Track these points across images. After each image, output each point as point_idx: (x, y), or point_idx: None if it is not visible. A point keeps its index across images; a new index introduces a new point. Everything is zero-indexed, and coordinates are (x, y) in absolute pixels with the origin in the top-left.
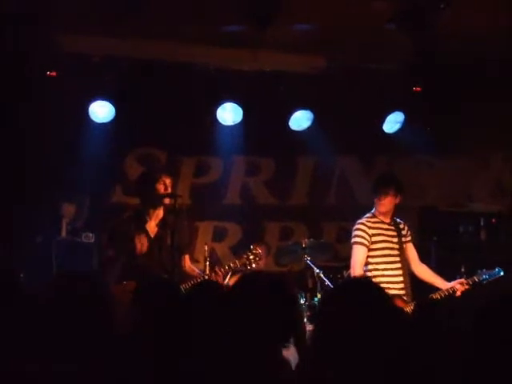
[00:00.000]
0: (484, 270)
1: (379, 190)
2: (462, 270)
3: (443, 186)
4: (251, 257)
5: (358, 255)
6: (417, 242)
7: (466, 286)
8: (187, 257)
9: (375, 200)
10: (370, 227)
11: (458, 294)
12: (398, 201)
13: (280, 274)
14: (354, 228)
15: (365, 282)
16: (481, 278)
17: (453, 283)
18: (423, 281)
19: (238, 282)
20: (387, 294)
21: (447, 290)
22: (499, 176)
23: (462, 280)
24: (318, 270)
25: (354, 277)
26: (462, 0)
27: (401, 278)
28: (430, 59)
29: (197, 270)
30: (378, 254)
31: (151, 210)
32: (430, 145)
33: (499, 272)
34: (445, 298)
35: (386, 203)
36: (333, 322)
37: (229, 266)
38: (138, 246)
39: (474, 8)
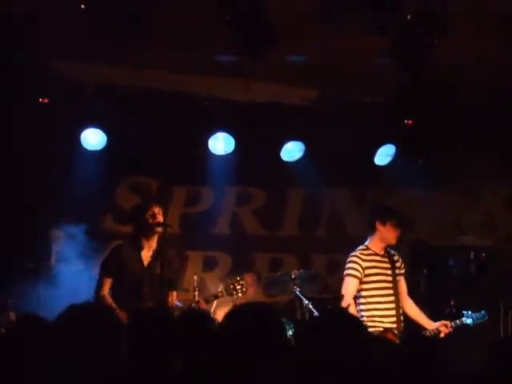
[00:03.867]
0: (470, 313)
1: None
2: (452, 303)
3: (434, 219)
4: (238, 287)
5: (349, 287)
6: (407, 274)
7: (450, 329)
8: (174, 293)
9: (383, 231)
10: (363, 260)
11: (442, 335)
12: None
13: (268, 306)
14: (348, 260)
15: (341, 314)
16: (466, 322)
17: (437, 324)
18: (408, 317)
19: (227, 316)
20: (363, 325)
21: (432, 330)
22: (490, 210)
23: (446, 322)
24: (306, 302)
25: (331, 308)
26: (456, 32)
27: (393, 312)
28: (421, 92)
29: (179, 305)
30: (372, 286)
31: (144, 240)
32: (420, 178)
33: (484, 316)
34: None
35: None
36: (310, 352)
37: (215, 296)
38: (131, 273)
39: (467, 40)
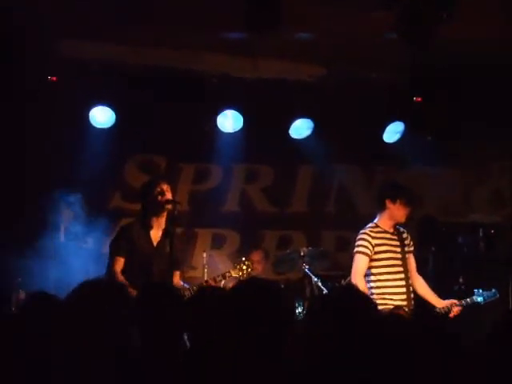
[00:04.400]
0: (481, 291)
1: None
2: (461, 280)
3: (442, 197)
4: (244, 267)
5: (359, 264)
6: (415, 252)
7: (460, 308)
8: (178, 273)
9: (393, 209)
10: (373, 237)
11: (452, 315)
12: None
13: (276, 282)
14: (357, 238)
15: (351, 291)
16: (477, 300)
17: (446, 302)
18: (417, 294)
19: (232, 290)
20: (372, 303)
21: (442, 308)
22: (498, 186)
23: (455, 301)
24: (315, 279)
25: (341, 286)
26: (464, 11)
27: (403, 289)
28: (430, 69)
29: (186, 286)
30: (382, 264)
31: (154, 218)
32: (429, 155)
33: (495, 294)
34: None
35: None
36: (318, 329)
37: (223, 276)
38: (141, 252)
39: (474, 19)
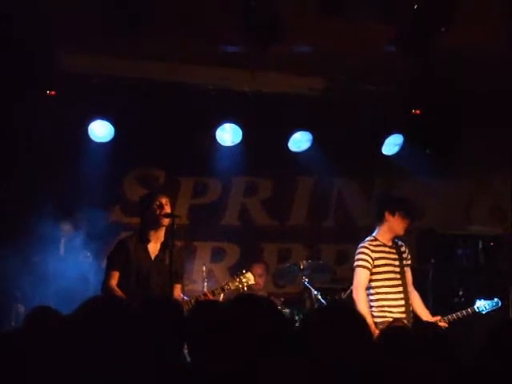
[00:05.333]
0: (482, 300)
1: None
2: (460, 292)
3: (442, 209)
4: (243, 280)
5: (360, 278)
6: (415, 264)
7: (446, 325)
8: (179, 286)
9: (392, 222)
10: (372, 251)
11: None
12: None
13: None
14: (357, 251)
15: (344, 307)
16: (479, 310)
17: (434, 319)
18: None
19: (234, 303)
20: (364, 319)
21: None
22: (498, 198)
23: (439, 317)
24: (315, 292)
25: (335, 300)
26: (462, 22)
27: (402, 302)
28: (429, 82)
29: (186, 299)
30: (381, 277)
31: (152, 232)
32: (428, 167)
33: (498, 303)
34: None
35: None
36: (311, 343)
37: (222, 289)
38: (138, 266)
39: (473, 30)
